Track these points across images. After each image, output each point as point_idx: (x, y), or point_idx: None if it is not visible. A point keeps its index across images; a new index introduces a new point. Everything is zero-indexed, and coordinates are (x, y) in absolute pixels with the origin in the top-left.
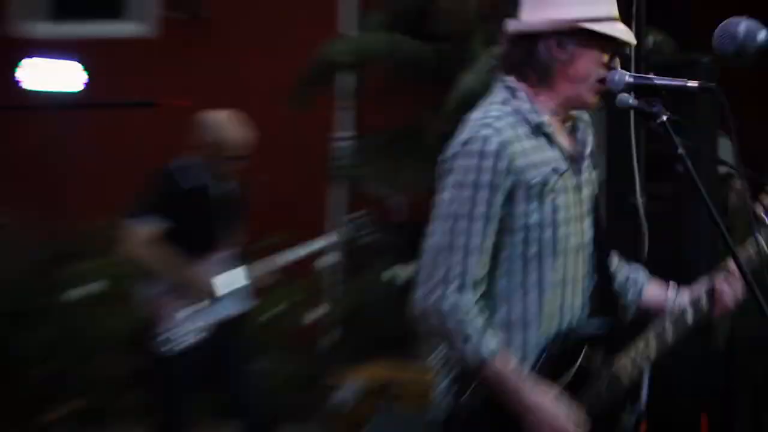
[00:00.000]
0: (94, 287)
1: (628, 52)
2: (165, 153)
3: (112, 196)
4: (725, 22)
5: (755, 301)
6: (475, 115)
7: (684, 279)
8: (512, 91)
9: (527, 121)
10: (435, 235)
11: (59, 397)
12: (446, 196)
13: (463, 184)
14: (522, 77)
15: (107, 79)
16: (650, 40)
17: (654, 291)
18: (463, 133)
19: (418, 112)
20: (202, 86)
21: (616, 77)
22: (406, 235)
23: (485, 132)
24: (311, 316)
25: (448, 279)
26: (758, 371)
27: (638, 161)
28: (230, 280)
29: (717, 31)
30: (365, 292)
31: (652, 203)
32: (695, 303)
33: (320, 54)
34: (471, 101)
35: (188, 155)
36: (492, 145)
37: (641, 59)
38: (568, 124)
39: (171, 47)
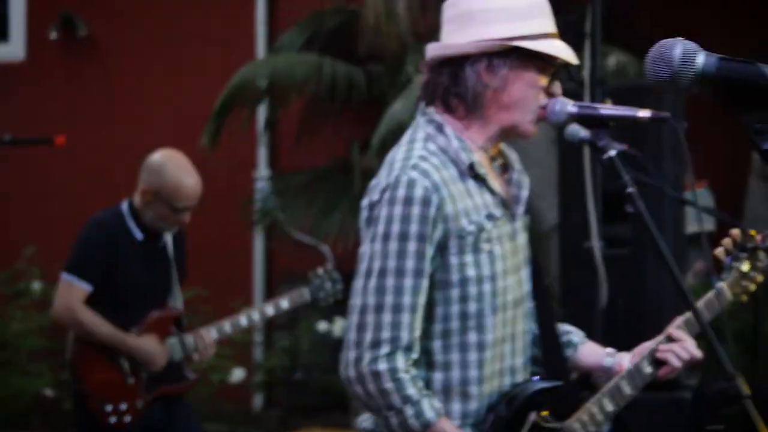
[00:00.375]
0: None
1: (580, 76)
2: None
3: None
4: (659, 44)
5: (714, 352)
6: (397, 156)
7: (646, 329)
8: (437, 126)
9: (456, 162)
10: (361, 294)
11: None
12: (370, 250)
13: (389, 235)
14: (448, 108)
15: None
16: (612, 61)
17: (589, 351)
18: (385, 177)
19: (346, 147)
20: (89, 117)
21: (557, 107)
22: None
23: (410, 175)
24: (238, 375)
25: (379, 342)
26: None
27: (594, 201)
28: (172, 348)
29: (650, 54)
30: (298, 349)
31: (610, 247)
32: (648, 359)
33: (235, 79)
34: (400, 133)
35: (130, 200)
36: (418, 191)
37: (596, 83)
38: (498, 162)
39: (44, 71)
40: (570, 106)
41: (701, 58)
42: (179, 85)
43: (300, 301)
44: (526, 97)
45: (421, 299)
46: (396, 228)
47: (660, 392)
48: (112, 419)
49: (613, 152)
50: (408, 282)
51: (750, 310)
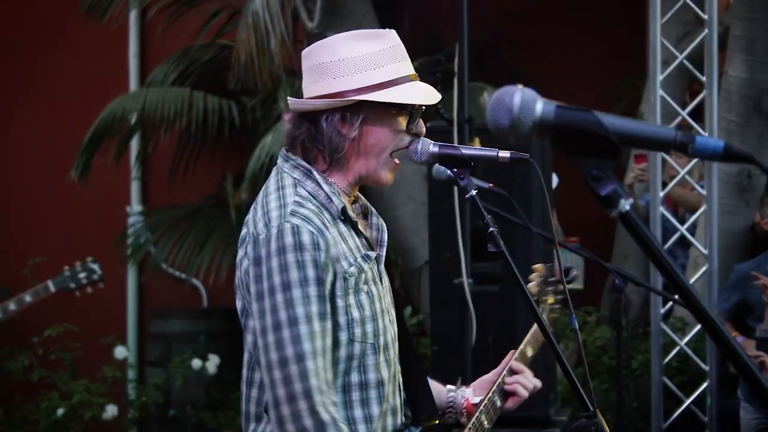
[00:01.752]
0: None
1: (449, 114)
2: None
3: None
4: (499, 91)
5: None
6: (270, 204)
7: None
8: (305, 171)
9: (327, 206)
10: (274, 349)
11: None
12: (271, 302)
13: (287, 285)
14: (308, 158)
15: None
16: (485, 98)
17: (433, 389)
18: (263, 227)
19: (218, 182)
20: None
21: (420, 147)
22: (212, 323)
23: (292, 222)
24: (111, 411)
25: (310, 392)
26: None
27: (464, 238)
28: None
29: (490, 102)
30: (171, 385)
31: (480, 284)
32: (497, 392)
33: (105, 113)
34: (271, 167)
35: None
36: (305, 236)
37: (464, 122)
38: (358, 204)
39: None
40: (432, 146)
41: (540, 106)
42: (50, 119)
43: (44, 293)
44: (382, 144)
45: (330, 340)
46: (293, 276)
47: (530, 429)
48: None
49: (473, 192)
50: (317, 326)
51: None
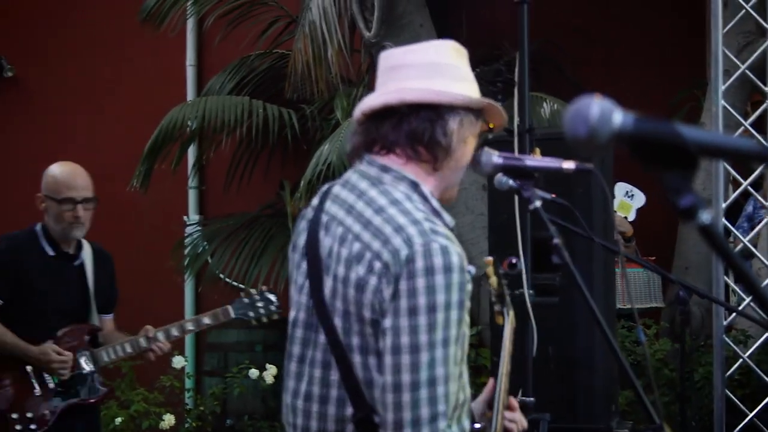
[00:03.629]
0: None
1: (509, 125)
2: None
3: None
4: (575, 103)
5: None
6: (396, 219)
7: (577, 377)
8: (412, 185)
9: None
10: (408, 371)
11: None
12: (410, 323)
13: (434, 307)
14: (413, 156)
15: None
16: (547, 109)
17: None
18: (402, 243)
19: (275, 191)
20: (15, 158)
21: (483, 158)
22: (268, 333)
23: (441, 242)
24: (168, 421)
25: (437, 419)
26: None
27: (524, 249)
28: (83, 362)
29: (567, 113)
30: (229, 395)
31: (540, 296)
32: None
33: (165, 121)
34: (328, 174)
35: (42, 222)
36: (455, 257)
37: (525, 132)
38: None
39: None
40: (495, 157)
41: (618, 117)
42: (107, 128)
43: (224, 318)
44: (469, 157)
45: (463, 366)
46: (441, 298)
47: None
48: (18, 427)
49: (538, 203)
50: (453, 351)
51: (680, 359)
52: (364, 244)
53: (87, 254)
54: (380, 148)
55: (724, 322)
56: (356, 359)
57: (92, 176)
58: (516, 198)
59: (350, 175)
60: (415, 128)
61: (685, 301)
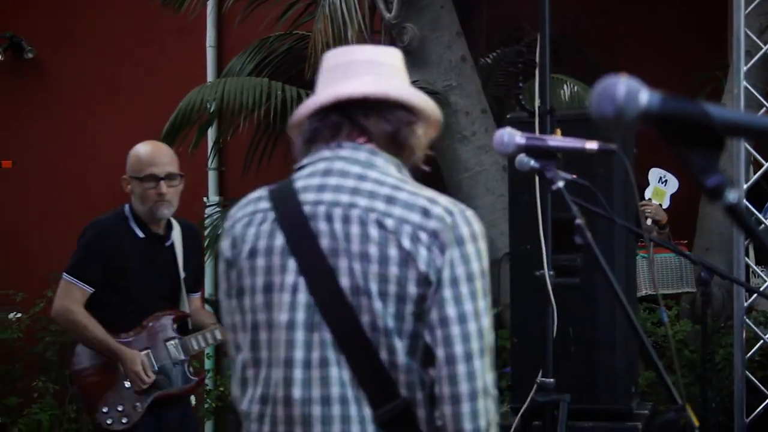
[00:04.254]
0: None
1: (530, 105)
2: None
3: None
4: (602, 82)
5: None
6: (419, 191)
7: (597, 357)
8: (399, 167)
9: None
10: (488, 332)
11: None
12: (482, 286)
13: (485, 271)
14: (387, 149)
15: None
16: (567, 91)
17: None
18: (443, 211)
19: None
20: (34, 139)
21: (506, 138)
22: None
23: (470, 210)
24: None
25: (493, 386)
26: None
27: (545, 229)
28: (173, 350)
29: (594, 92)
30: None
31: (561, 276)
32: None
33: (184, 102)
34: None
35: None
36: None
37: (545, 113)
38: None
39: None
40: (518, 137)
41: (645, 96)
42: (127, 109)
43: None
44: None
45: None
46: (485, 264)
47: (612, 422)
48: (109, 421)
49: (560, 184)
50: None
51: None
52: (399, 219)
53: (176, 234)
54: (358, 135)
55: (745, 304)
56: (397, 344)
57: (110, 158)
58: (536, 179)
59: (327, 164)
60: (394, 125)
61: (706, 282)
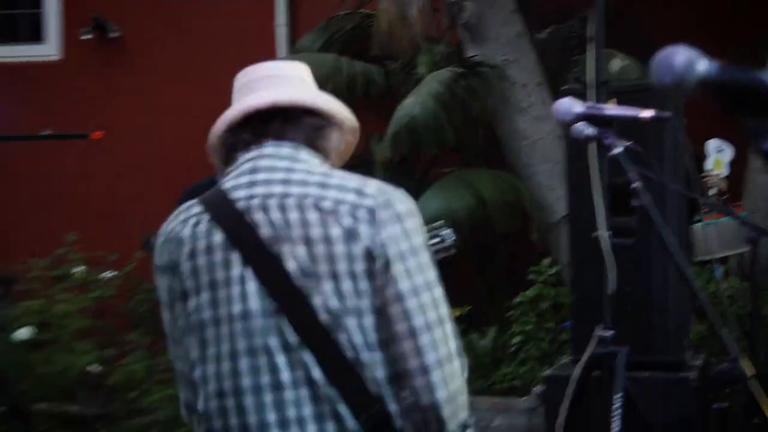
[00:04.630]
0: (23, 333)
1: (584, 78)
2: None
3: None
4: (663, 51)
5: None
6: (346, 177)
7: (652, 315)
8: (323, 159)
9: None
10: (432, 308)
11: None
12: (417, 264)
13: (425, 244)
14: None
15: (16, 105)
16: (617, 64)
17: None
18: (376, 191)
19: (362, 141)
20: (120, 112)
21: (565, 107)
22: None
23: (401, 191)
24: None
25: (458, 351)
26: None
27: (601, 194)
28: None
29: (654, 61)
30: None
31: (617, 237)
32: None
33: None
34: (411, 126)
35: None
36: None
37: (600, 85)
38: None
39: (79, 69)
40: (577, 107)
41: (703, 65)
42: (200, 82)
43: None
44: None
45: None
46: (423, 237)
47: (666, 372)
48: None
49: (619, 149)
50: None
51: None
52: (334, 200)
53: None
54: (275, 139)
55: None
56: (350, 323)
57: (187, 127)
58: (592, 146)
59: (252, 164)
60: (304, 131)
61: (755, 241)
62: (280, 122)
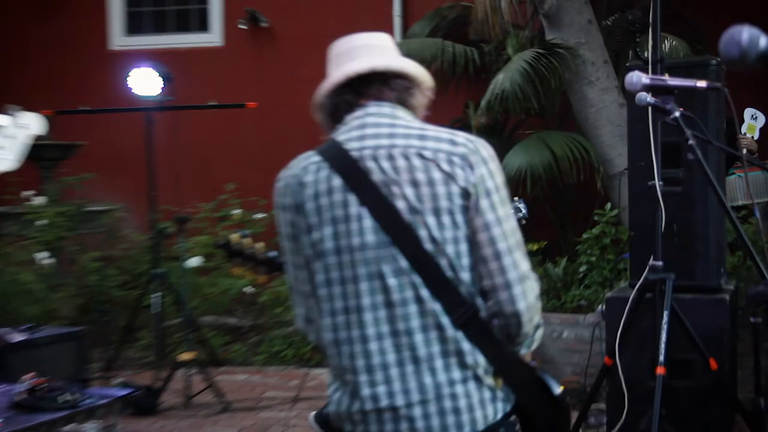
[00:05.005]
0: (194, 262)
1: (644, 56)
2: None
3: (213, 184)
4: (730, 30)
5: (753, 262)
6: (440, 128)
7: (695, 247)
8: (414, 114)
9: None
10: (512, 235)
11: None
12: (505, 194)
13: (504, 182)
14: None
15: (188, 82)
16: (666, 44)
17: None
18: (465, 140)
19: (461, 109)
20: (270, 89)
21: (634, 79)
22: None
23: (483, 140)
24: None
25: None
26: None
27: (656, 151)
28: None
29: (722, 38)
30: None
31: (667, 185)
32: None
33: None
34: (502, 96)
35: None
36: None
37: (657, 61)
38: None
39: (236, 54)
40: (644, 78)
41: (764, 41)
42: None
43: None
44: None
45: None
46: (503, 177)
47: (706, 294)
48: None
49: (677, 113)
50: None
51: None
52: (433, 149)
53: None
54: (374, 99)
55: None
56: (450, 249)
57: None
58: (650, 111)
59: (360, 121)
60: (397, 91)
61: None
62: (378, 84)
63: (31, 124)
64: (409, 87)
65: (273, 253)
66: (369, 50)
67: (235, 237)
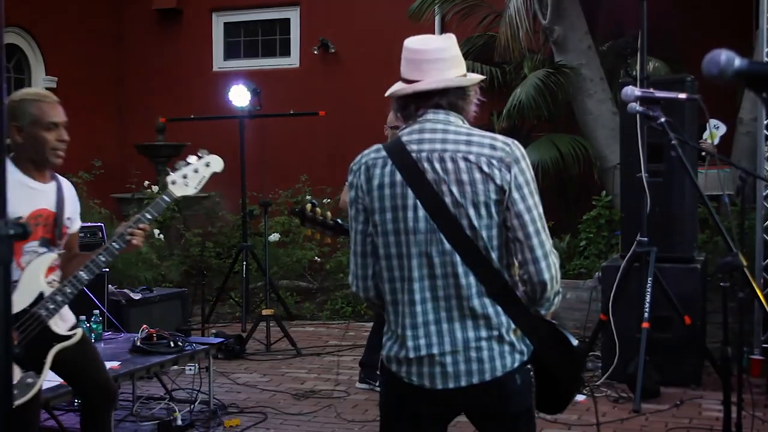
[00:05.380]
0: (274, 237)
1: (633, 74)
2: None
3: (290, 176)
4: (711, 53)
5: (722, 236)
6: (483, 132)
7: (674, 226)
8: (462, 119)
9: None
10: (539, 218)
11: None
12: (534, 186)
13: (533, 176)
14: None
15: (272, 96)
16: (650, 65)
17: None
18: (503, 143)
19: (487, 116)
20: (337, 101)
21: (628, 92)
22: None
23: (517, 142)
24: None
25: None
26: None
27: (642, 149)
28: None
29: (705, 59)
30: None
31: (652, 177)
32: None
33: None
34: (519, 106)
35: None
36: None
37: (644, 78)
38: None
39: (310, 74)
40: (636, 91)
41: (737, 61)
42: (389, 80)
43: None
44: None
45: None
46: (532, 172)
47: (682, 264)
48: None
49: (663, 120)
50: None
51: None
52: (477, 154)
53: None
54: (434, 108)
55: (764, 193)
56: (484, 234)
57: (379, 110)
58: (638, 118)
59: (420, 125)
60: (453, 100)
61: (744, 179)
62: (437, 96)
63: (212, 163)
64: (464, 94)
65: (338, 220)
66: (437, 65)
67: (308, 206)
